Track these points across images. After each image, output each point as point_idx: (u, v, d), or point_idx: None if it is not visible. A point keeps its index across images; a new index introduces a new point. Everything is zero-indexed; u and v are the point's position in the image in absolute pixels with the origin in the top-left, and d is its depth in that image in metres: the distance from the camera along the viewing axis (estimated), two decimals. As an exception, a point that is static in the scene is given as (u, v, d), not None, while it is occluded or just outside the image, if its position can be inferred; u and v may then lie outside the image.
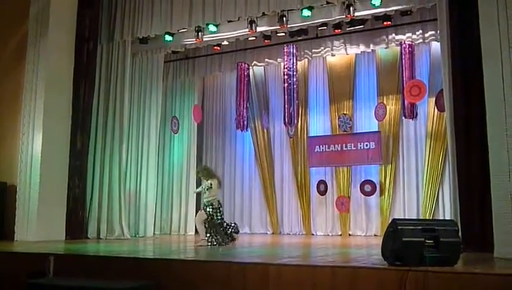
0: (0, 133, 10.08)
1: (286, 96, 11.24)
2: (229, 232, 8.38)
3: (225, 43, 10.92)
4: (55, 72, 9.67)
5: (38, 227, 9.03)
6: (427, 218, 9.96)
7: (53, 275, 5.66)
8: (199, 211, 8.77)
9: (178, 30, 10.14)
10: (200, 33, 9.93)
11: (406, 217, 10.08)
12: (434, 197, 10.35)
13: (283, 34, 10.55)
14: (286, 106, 11.20)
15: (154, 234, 11.24)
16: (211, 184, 8.51)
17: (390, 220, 5.47)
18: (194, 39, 10.10)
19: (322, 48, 11.16)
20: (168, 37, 10.27)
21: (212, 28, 9.85)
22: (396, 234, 4.68)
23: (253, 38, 10.73)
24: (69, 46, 9.96)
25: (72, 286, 5.04)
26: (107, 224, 9.94)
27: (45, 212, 9.16)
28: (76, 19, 10.09)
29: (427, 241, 4.61)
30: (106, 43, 10.51)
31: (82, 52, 10.12)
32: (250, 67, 12.21)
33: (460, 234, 5.30)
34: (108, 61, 10.46)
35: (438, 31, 8.52)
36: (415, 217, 10.18)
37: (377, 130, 11.13)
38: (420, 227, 4.73)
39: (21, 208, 9.26)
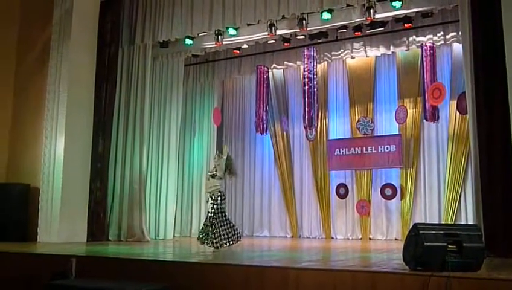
0: (24, 136, 10.27)
1: (306, 99, 11.18)
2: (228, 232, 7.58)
3: (245, 46, 10.94)
4: (77, 75, 9.81)
5: (61, 229, 9.16)
6: (449, 222, 9.83)
7: (75, 276, 5.73)
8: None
9: (198, 34, 10.19)
10: (220, 37, 9.96)
11: (427, 222, 9.97)
12: (456, 201, 10.20)
13: (303, 36, 10.54)
14: (306, 108, 11.15)
15: (174, 236, 11.29)
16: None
17: (411, 224, 5.42)
18: (214, 43, 10.14)
19: (342, 50, 11.11)
20: (188, 41, 10.33)
21: (231, 31, 9.88)
22: (418, 239, 4.62)
23: (273, 41, 10.71)
24: (91, 50, 10.11)
25: (93, 288, 5.08)
26: (127, 226, 10.03)
27: (67, 214, 9.29)
28: (98, 23, 10.24)
29: (450, 246, 4.54)
30: (127, 47, 10.63)
31: (104, 56, 10.26)
32: (270, 70, 12.21)
33: (483, 238, 5.22)
34: (130, 64, 10.58)
35: (460, 33, 8.41)
36: (436, 222, 10.06)
37: (397, 133, 11.04)
38: (442, 232, 4.67)
39: (44, 209, 9.41)
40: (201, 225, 11.77)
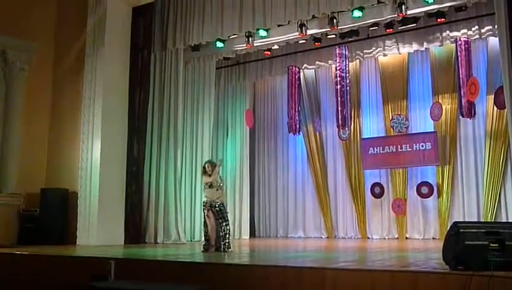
0: (61, 141, 10.55)
1: (339, 99, 11.06)
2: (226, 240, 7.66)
3: (275, 47, 10.94)
4: (111, 81, 10.02)
5: (99, 232, 9.36)
6: (489, 220, 9.59)
7: (114, 278, 5.81)
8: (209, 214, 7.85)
9: (229, 36, 10.24)
10: (250, 38, 10.00)
11: (466, 220, 9.75)
12: (496, 199, 9.96)
13: (333, 36, 10.46)
14: (339, 108, 11.03)
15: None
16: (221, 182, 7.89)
17: (449, 223, 5.31)
18: (245, 45, 10.18)
19: (374, 48, 10.99)
20: (219, 44, 10.40)
21: (262, 32, 9.90)
22: (458, 238, 4.51)
23: (304, 41, 10.69)
24: (124, 56, 10.32)
25: (132, 290, 5.15)
26: (163, 229, 10.13)
27: (105, 217, 9.48)
28: (130, 29, 10.41)
29: (492, 244, 4.41)
30: (159, 52, 10.75)
31: (137, 61, 10.44)
32: (301, 70, 12.18)
33: (526, 237, 5.06)
34: (162, 69, 10.70)
35: (496, 26, 8.20)
36: (475, 220, 9.84)
37: (432, 130, 10.84)
38: (484, 230, 4.54)
39: (82, 213, 9.63)
40: (237, 227, 11.98)
